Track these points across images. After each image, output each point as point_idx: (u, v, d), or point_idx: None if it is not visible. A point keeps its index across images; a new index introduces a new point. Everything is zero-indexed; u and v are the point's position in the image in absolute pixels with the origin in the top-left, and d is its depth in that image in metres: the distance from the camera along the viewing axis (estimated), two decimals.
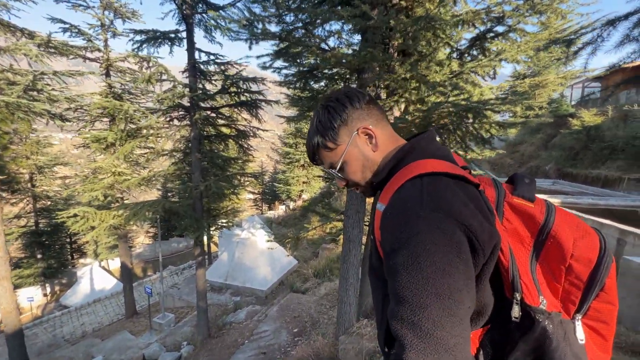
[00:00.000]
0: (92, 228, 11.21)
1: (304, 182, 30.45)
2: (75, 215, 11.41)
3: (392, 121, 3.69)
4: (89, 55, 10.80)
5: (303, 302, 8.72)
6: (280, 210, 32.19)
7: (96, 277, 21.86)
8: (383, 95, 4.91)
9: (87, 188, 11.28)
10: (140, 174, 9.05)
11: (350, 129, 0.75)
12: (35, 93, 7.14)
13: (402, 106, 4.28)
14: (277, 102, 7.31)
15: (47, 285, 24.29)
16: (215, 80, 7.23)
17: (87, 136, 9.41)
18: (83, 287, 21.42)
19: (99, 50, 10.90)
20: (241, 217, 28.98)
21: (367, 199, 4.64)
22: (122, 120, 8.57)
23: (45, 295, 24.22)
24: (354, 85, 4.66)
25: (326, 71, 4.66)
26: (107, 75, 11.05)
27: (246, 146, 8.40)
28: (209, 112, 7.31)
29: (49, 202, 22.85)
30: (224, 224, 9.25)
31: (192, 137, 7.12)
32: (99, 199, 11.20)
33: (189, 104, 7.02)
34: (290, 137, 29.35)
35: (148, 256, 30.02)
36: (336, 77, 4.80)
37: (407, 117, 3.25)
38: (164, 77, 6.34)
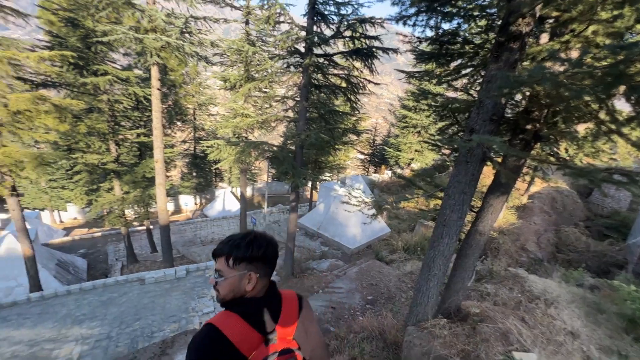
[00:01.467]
0: (222, 160, 13.51)
1: (416, 151, 28.15)
2: (211, 146, 13.95)
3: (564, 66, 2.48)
4: (235, 3, 11.94)
5: (384, 273, 8.34)
6: (385, 175, 31.26)
7: (227, 199, 27.06)
8: (544, 39, 3.40)
9: (222, 125, 13.37)
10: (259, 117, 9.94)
11: (250, 267, 1.15)
12: (187, 35, 8.38)
13: (574, 52, 2.82)
14: (395, 50, 6.33)
15: (197, 196, 31.93)
16: (333, 23, 6.74)
17: (216, 76, 10.84)
18: (218, 204, 27.03)
19: None
20: (345, 174, 29.71)
21: (480, 181, 3.56)
22: (247, 63, 9.38)
23: (195, 204, 32.00)
24: (499, 22, 3.35)
25: (461, 2, 3.48)
26: (247, 23, 12.05)
27: (354, 100, 7.87)
28: (321, 60, 7.00)
29: (203, 133, 28.86)
30: (324, 177, 9.42)
31: (302, 84, 7.06)
32: (229, 135, 13.16)
33: (304, 50, 6.87)
34: (410, 98, 26.86)
35: (264, 192, 35.17)
36: (475, 11, 3.54)
37: (585, 59, 2.00)
38: (282, 18, 6.28)
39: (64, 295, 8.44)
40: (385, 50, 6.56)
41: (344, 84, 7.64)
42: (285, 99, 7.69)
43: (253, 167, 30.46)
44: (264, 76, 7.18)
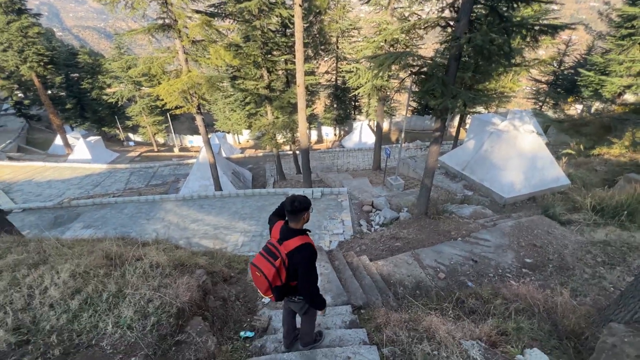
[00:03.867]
0: (361, 86, 12.72)
1: (638, 74, 18.39)
2: (350, 71, 13.25)
3: None
4: None
5: (556, 235, 6.22)
6: (573, 110, 22.81)
7: (363, 132, 27.06)
8: None
9: (364, 47, 12.23)
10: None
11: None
12: None
13: None
14: None
15: (337, 128, 33.50)
16: None
17: None
18: (355, 136, 27.53)
19: None
20: (508, 107, 23.53)
21: None
22: None
23: (335, 134, 33.84)
24: None
25: None
26: None
27: None
28: None
29: (344, 63, 28.44)
30: (477, 110, 7.27)
31: None
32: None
33: None
34: None
35: (405, 127, 33.04)
36: None
37: None
38: None
39: (235, 197, 10.70)
40: None
41: None
42: None
43: (391, 98, 28.44)
44: None
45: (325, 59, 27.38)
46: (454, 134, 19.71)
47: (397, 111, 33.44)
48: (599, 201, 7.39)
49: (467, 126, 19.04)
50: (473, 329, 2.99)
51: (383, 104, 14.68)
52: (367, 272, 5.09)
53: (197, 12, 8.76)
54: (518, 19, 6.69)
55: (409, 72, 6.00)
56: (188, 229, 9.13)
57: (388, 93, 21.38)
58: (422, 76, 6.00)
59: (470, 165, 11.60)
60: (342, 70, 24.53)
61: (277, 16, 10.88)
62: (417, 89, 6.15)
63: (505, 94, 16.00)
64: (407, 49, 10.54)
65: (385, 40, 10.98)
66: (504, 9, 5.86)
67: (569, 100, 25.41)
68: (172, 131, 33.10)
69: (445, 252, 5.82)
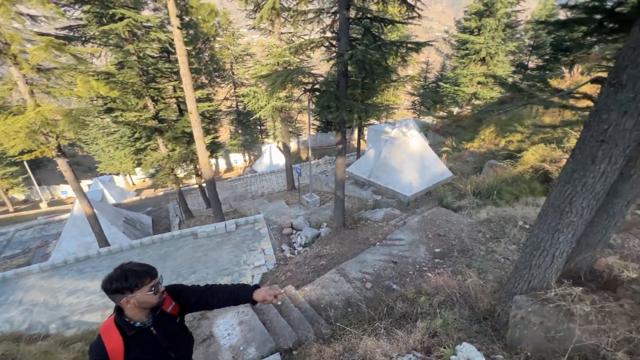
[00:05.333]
0: (261, 109, 12.53)
1: (478, 83, 23.92)
2: (247, 94, 12.98)
3: None
4: None
5: (453, 221, 7.02)
6: (440, 116, 27.77)
7: (273, 154, 26.92)
8: None
9: (258, 70, 12.15)
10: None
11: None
12: None
13: None
14: None
15: (246, 153, 32.52)
16: None
17: None
18: (265, 160, 27.11)
19: None
20: (394, 117, 27.09)
21: None
22: None
23: (245, 160, 32.76)
24: None
25: None
26: None
27: (412, 2, 5.90)
28: None
29: (243, 89, 28.13)
30: (371, 122, 7.89)
31: None
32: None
33: None
34: (473, 18, 22.10)
35: (311, 144, 34.41)
36: None
37: None
38: None
39: (128, 250, 8.83)
40: None
41: None
42: (321, 13, 6.05)
43: (295, 118, 29.37)
44: None
45: (222, 85, 26.60)
46: (355, 145, 21.38)
47: (303, 130, 34.70)
48: (475, 186, 8.79)
49: (366, 137, 20.98)
50: (406, 339, 2.86)
51: (287, 125, 14.80)
52: (295, 303, 4.63)
53: (42, 34, 7.12)
54: (390, 41, 7.62)
55: (303, 89, 6.01)
56: (63, 306, 7.02)
57: (291, 114, 21.91)
58: (317, 92, 6.09)
59: (375, 172, 12.55)
60: (240, 95, 24.14)
61: (154, 40, 9.84)
62: (314, 105, 6.18)
63: (390, 106, 18.25)
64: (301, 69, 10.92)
65: (278, 62, 11.18)
66: (377, 31, 6.52)
67: (437, 107, 30.95)
68: (35, 183, 26.41)
69: (368, 260, 5.85)
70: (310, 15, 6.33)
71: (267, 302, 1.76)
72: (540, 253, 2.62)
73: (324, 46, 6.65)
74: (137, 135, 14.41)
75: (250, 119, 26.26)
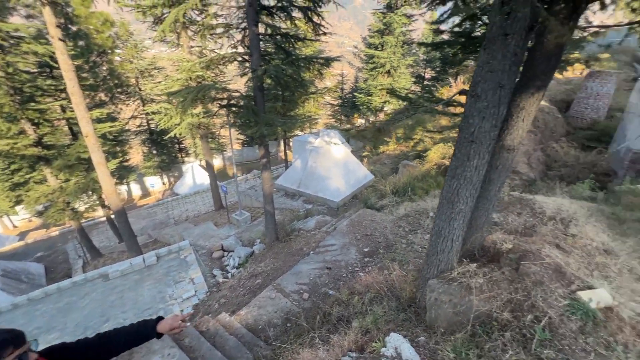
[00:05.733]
0: (176, 127, 11.60)
1: (387, 93, 26.77)
2: (158, 112, 11.89)
3: None
4: None
5: (377, 220, 7.58)
6: (359, 123, 30.06)
7: (197, 173, 25.11)
8: None
9: (168, 85, 11.25)
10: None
11: None
12: None
13: None
14: None
15: (164, 175, 29.52)
16: None
17: (128, 2, 8.51)
18: (187, 180, 25.09)
19: None
20: (317, 127, 28.21)
21: (520, 68, 2.46)
22: None
23: (163, 183, 29.70)
24: None
25: None
26: None
27: (318, 22, 6.29)
28: None
29: (153, 105, 25.64)
30: (295, 133, 8.06)
31: (247, 3, 5.38)
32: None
33: None
34: (375, 35, 24.75)
35: (237, 160, 33.23)
36: None
37: None
38: None
39: (9, 311, 7.07)
40: None
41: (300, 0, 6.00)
42: (230, 28, 5.97)
43: (217, 134, 28.03)
44: None
45: (128, 102, 23.81)
46: (283, 157, 21.48)
47: (227, 146, 33.30)
48: (393, 186, 9.70)
49: (292, 148, 21.26)
50: (342, 342, 2.95)
51: (208, 142, 14.01)
52: (230, 330, 4.35)
53: None
54: (302, 56, 7.95)
55: (218, 105, 5.81)
56: None
57: (211, 130, 20.87)
58: (233, 108, 5.95)
59: (304, 182, 12.78)
60: (150, 113, 21.98)
61: (28, 53, 8.23)
62: (241, 137, 6.02)
63: (312, 117, 18.94)
64: (214, 84, 10.50)
65: (190, 77, 10.56)
66: (289, 47, 6.73)
67: (355, 115, 33.35)
68: None
69: (303, 271, 5.88)
70: (219, 30, 6.20)
71: (176, 331, 1.63)
72: (443, 239, 3.02)
73: (237, 61, 6.57)
74: (14, 167, 11.71)
75: (165, 137, 24.03)
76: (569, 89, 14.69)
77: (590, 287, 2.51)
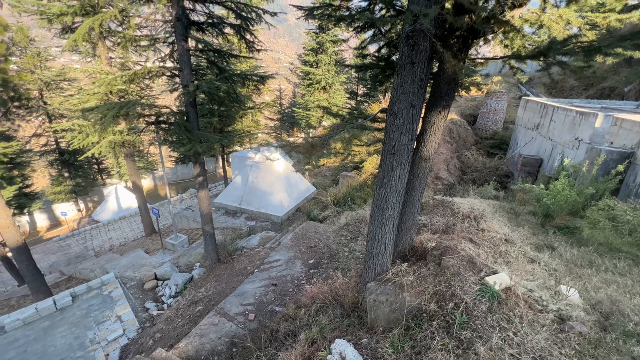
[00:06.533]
0: (92, 146, 10.34)
1: (323, 110, 27.91)
2: (70, 129, 10.46)
3: None
4: None
5: (320, 232, 7.76)
6: (299, 138, 30.63)
7: (122, 196, 22.45)
8: None
9: (83, 99, 10.00)
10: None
11: None
12: None
13: None
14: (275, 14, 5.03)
15: (79, 201, 25.65)
16: None
17: (30, 8, 7.51)
18: (111, 204, 22.23)
19: None
20: (258, 142, 27.86)
21: (428, 89, 2.89)
22: None
23: (79, 210, 25.76)
24: None
25: None
26: None
27: (251, 39, 6.37)
28: None
29: (64, 121, 22.37)
30: (234, 149, 7.86)
31: (175, 18, 5.20)
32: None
33: None
34: (310, 54, 25.88)
35: (170, 179, 30.71)
36: None
37: None
38: None
39: None
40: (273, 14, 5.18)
41: (232, 17, 6.03)
42: (156, 42, 5.67)
43: (145, 151, 25.63)
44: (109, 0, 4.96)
45: (29, 118, 20.40)
46: (222, 173, 20.60)
47: (157, 164, 30.60)
48: (334, 197, 10.07)
49: (231, 164, 20.56)
50: (289, 357, 2.95)
51: (134, 161, 12.73)
52: None
53: None
54: (238, 72, 7.90)
55: (145, 122, 5.41)
56: None
57: (138, 147, 19.05)
58: (163, 125, 5.60)
59: (245, 198, 12.43)
60: (59, 130, 19.18)
61: None
62: (162, 139, 5.66)
63: (251, 132, 18.69)
64: (140, 99, 9.70)
65: (111, 91, 9.58)
66: (222, 63, 6.64)
67: (294, 130, 33.86)
68: None
69: (248, 291, 5.68)
70: (144, 42, 5.85)
71: None
72: (377, 244, 3.28)
73: (166, 75, 6.24)
74: None
75: (80, 157, 21.09)
76: (474, 105, 17.27)
77: (494, 273, 2.99)
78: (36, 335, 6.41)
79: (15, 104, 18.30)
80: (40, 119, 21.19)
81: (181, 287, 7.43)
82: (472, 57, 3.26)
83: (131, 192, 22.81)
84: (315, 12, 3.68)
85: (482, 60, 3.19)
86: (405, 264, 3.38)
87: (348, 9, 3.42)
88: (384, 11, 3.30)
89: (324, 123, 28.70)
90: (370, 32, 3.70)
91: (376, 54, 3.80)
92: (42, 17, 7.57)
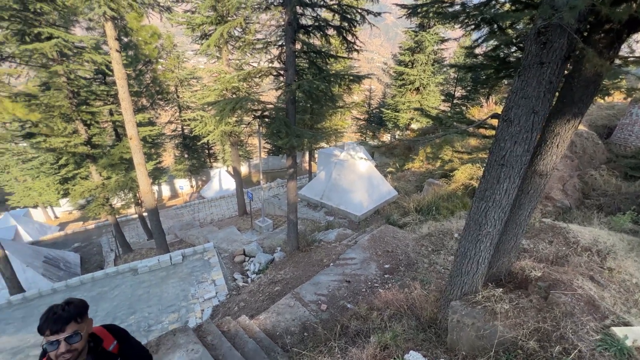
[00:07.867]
0: (209, 134, 12.25)
1: (415, 110, 26.56)
2: (194, 119, 12.61)
3: None
4: None
5: (399, 238, 7.50)
6: (385, 139, 29.98)
7: (223, 178, 26.01)
8: None
9: (205, 95, 11.97)
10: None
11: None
12: None
13: None
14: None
15: (193, 179, 30.83)
16: None
17: (179, 21, 9.27)
18: (214, 184, 26.03)
19: None
20: (342, 141, 28.42)
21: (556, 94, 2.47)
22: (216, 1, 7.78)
23: (192, 186, 30.99)
24: None
25: None
26: None
27: (352, 40, 6.54)
28: None
29: (189, 112, 27.12)
30: (321, 145, 8.28)
31: (287, 23, 5.73)
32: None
33: None
34: (406, 53, 24.90)
35: (263, 168, 34.08)
36: None
37: None
38: None
39: (49, 295, 7.65)
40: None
41: (336, 19, 6.28)
42: (268, 45, 6.35)
43: (245, 142, 29.01)
44: (236, 10, 5.80)
45: (166, 108, 25.40)
46: (307, 167, 21.82)
47: (254, 153, 34.32)
48: (417, 204, 9.57)
49: (317, 160, 21.56)
50: (360, 355, 2.98)
51: (237, 149, 14.60)
52: (249, 333, 4.47)
53: None
54: (333, 71, 8.24)
55: (252, 115, 6.13)
56: None
57: (240, 138, 21.70)
58: (266, 119, 6.25)
59: (326, 193, 12.91)
60: (186, 119, 23.23)
61: (88, 61, 9.17)
62: (263, 132, 6.31)
63: (338, 130, 19.20)
64: (249, 96, 11.04)
65: (226, 88, 11.19)
66: (321, 63, 7.02)
67: (381, 131, 33.31)
68: None
69: (323, 282, 5.93)
70: (259, 46, 6.59)
71: None
72: (468, 261, 3.00)
73: (272, 75, 6.92)
74: (62, 162, 12.84)
75: (198, 143, 25.29)
76: (612, 114, 13.92)
77: (626, 324, 2.39)
78: (156, 281, 8.04)
79: (159, 96, 23.14)
80: (173, 109, 26.23)
81: (264, 266, 8.23)
82: (625, 55, 2.65)
83: (231, 176, 26.23)
84: (419, 10, 3.54)
85: (636, 58, 2.56)
86: (500, 289, 3.00)
87: (463, 5, 3.18)
88: (507, 6, 2.95)
89: (412, 126, 27.36)
90: (484, 30, 3.36)
91: (491, 54, 3.43)
92: (188, 27, 9.55)
